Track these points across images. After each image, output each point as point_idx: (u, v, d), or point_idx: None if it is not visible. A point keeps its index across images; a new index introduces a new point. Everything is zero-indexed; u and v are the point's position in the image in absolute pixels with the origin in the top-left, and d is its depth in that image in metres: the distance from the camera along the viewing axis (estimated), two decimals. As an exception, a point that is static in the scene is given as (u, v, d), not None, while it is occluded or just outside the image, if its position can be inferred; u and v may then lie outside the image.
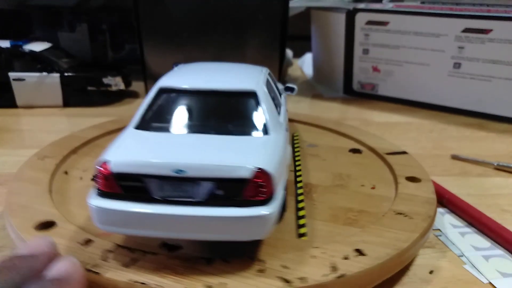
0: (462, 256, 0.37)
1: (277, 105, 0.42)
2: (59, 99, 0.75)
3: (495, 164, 0.55)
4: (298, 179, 0.47)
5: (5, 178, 0.49)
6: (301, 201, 0.42)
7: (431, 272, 0.35)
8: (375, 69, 0.84)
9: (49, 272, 0.27)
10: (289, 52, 1.06)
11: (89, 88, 0.76)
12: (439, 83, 0.78)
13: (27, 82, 0.72)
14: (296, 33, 0.96)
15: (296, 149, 0.55)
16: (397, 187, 0.44)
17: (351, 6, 0.82)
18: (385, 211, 0.39)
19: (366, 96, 0.87)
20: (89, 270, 0.30)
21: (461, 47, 0.74)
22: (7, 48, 0.71)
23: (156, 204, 0.30)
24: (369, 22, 0.81)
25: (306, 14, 0.95)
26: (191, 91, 0.38)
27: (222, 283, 0.29)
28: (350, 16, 0.82)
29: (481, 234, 0.40)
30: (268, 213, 0.29)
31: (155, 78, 0.45)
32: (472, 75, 0.74)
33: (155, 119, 0.37)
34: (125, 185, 0.30)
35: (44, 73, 0.72)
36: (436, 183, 0.47)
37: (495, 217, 0.41)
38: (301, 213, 0.40)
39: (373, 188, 0.45)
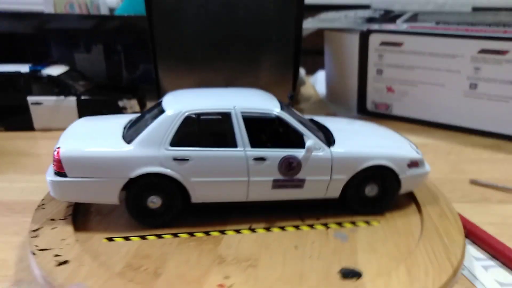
0: (486, 292, 0.36)
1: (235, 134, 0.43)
2: (75, 122, 0.76)
3: (516, 190, 0.54)
4: (228, 232, 0.42)
5: (24, 206, 0.50)
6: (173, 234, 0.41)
7: (455, 310, 0.34)
8: (390, 90, 0.84)
9: None
10: (301, 71, 1.07)
11: (105, 111, 0.76)
12: (455, 103, 0.77)
13: (45, 106, 0.73)
14: (308, 48, 0.96)
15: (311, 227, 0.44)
16: None
17: (364, 27, 0.82)
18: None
19: (380, 116, 0.86)
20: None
21: (477, 68, 0.73)
22: (26, 73, 0.72)
23: None
24: (383, 43, 0.80)
25: (318, 29, 0.95)
26: (158, 102, 0.47)
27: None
28: (364, 37, 0.82)
29: (505, 268, 0.39)
30: (49, 179, 0.40)
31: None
32: (489, 96, 0.73)
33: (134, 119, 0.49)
34: None
35: (61, 97, 0.73)
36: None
37: (518, 249, 0.41)
38: (133, 238, 0.41)
39: (220, 285, 0.35)
